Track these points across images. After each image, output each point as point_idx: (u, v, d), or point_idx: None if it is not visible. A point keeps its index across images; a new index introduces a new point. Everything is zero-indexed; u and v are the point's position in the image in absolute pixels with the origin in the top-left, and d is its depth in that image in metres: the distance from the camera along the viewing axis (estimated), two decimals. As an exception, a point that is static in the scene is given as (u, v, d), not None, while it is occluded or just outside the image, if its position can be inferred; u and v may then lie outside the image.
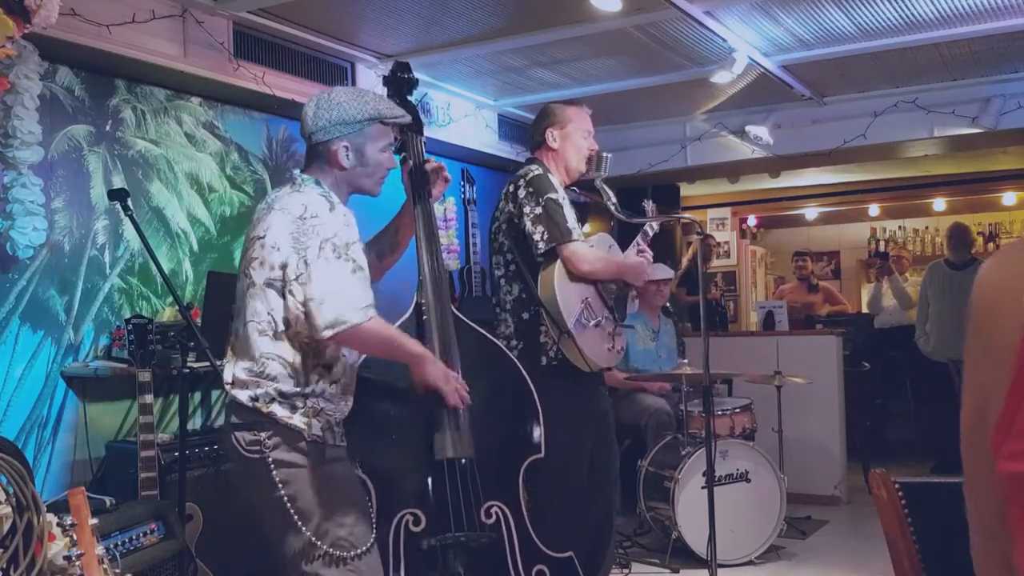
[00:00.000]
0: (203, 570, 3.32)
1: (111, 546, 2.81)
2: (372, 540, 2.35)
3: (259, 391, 2.28)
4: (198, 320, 3.74)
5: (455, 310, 2.70)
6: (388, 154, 2.48)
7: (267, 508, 2.29)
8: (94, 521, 2.15)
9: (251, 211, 4.56)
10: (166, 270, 3.60)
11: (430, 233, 2.69)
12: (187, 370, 3.53)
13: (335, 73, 4.78)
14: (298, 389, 2.29)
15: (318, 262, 2.22)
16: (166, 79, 4.13)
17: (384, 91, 2.89)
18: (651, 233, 3.62)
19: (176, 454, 3.45)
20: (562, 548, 2.71)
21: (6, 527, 1.94)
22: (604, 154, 3.47)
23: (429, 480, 2.51)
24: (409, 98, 2.86)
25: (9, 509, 1.95)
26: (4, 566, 1.89)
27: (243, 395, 2.29)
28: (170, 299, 4.00)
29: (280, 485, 2.26)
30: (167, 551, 3.09)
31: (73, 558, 2.04)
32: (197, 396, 4.07)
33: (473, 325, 2.80)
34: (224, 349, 3.64)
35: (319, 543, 2.25)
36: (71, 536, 2.08)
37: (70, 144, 3.82)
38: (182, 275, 4.25)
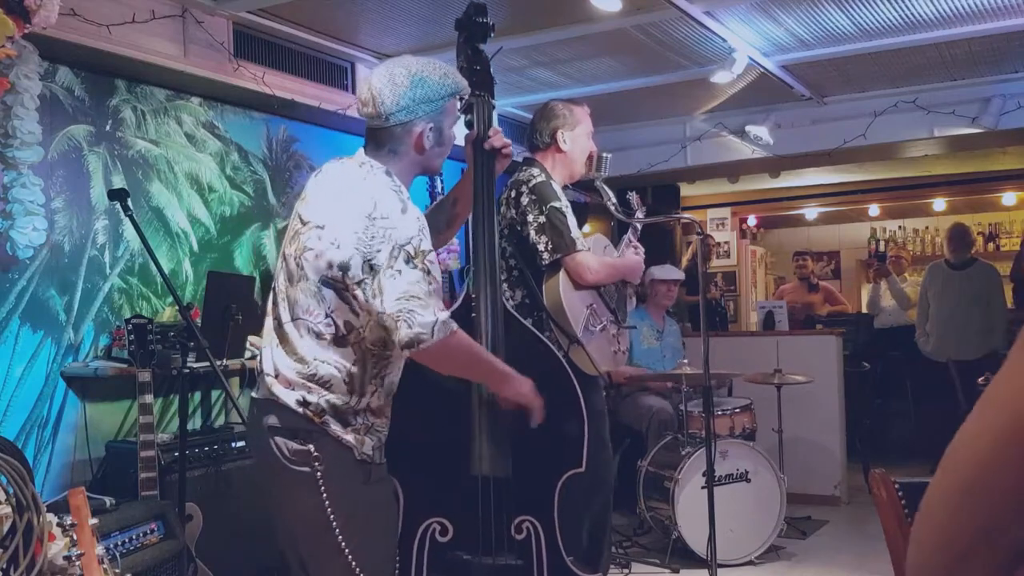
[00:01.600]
0: (203, 570, 3.32)
1: (111, 546, 2.81)
2: (396, 570, 2.25)
3: (311, 397, 2.08)
4: (198, 320, 3.74)
5: (507, 305, 2.48)
6: (454, 128, 2.27)
7: (306, 524, 2.12)
8: (94, 521, 2.15)
9: (251, 211, 4.59)
10: (166, 270, 3.60)
11: (489, 214, 2.38)
12: (187, 370, 3.53)
13: (335, 73, 4.78)
14: (353, 401, 2.11)
15: (389, 272, 1.99)
16: (166, 79, 4.13)
17: (457, 39, 2.49)
18: (639, 228, 3.65)
19: (176, 454, 3.45)
20: (592, 568, 2.60)
21: (6, 527, 1.94)
22: (604, 154, 3.47)
23: (461, 491, 2.35)
24: (481, 47, 2.45)
25: (9, 509, 1.95)
26: (4, 566, 1.89)
27: (290, 397, 2.08)
28: (170, 299, 3.99)
29: (327, 502, 2.07)
30: (167, 551, 3.09)
31: (73, 558, 2.04)
32: (197, 396, 4.07)
33: (527, 324, 2.59)
34: (224, 348, 3.69)
35: (356, 567, 2.10)
36: (71, 536, 2.08)
37: (70, 144, 3.82)
38: (182, 275, 4.25)
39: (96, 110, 3.92)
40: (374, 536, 2.16)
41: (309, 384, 2.08)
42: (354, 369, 2.10)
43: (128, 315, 3.74)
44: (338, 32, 4.59)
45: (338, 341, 2.08)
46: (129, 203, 3.39)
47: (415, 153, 2.18)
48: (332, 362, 2.08)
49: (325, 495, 2.07)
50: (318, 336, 2.08)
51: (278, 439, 2.10)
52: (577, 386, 2.52)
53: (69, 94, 3.82)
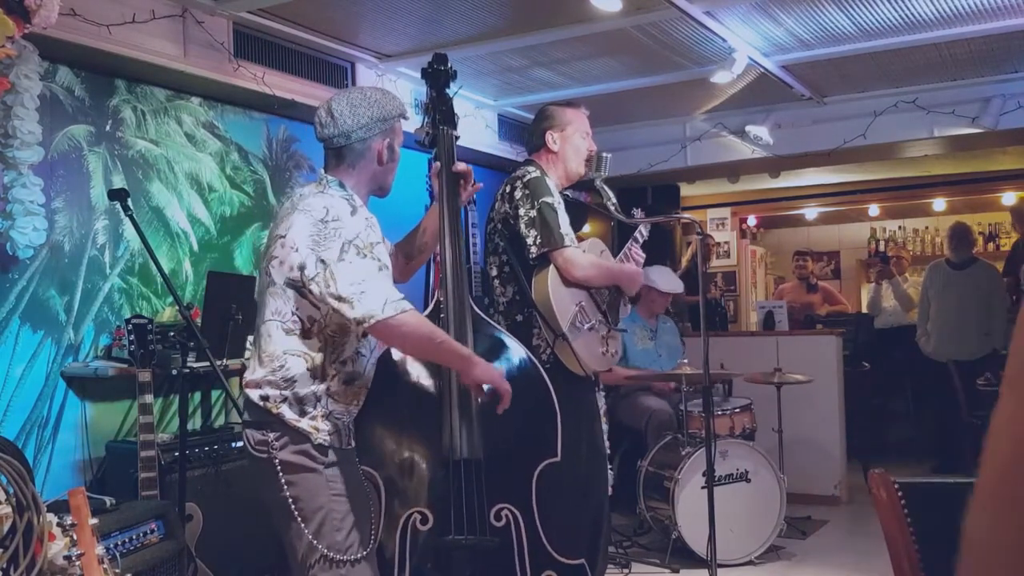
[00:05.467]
0: (203, 570, 3.32)
1: (111, 546, 2.81)
2: (369, 548, 2.36)
3: (272, 391, 2.31)
4: (198, 320, 3.74)
5: (476, 308, 2.67)
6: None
7: (275, 506, 2.34)
8: (94, 521, 2.16)
9: (251, 211, 4.60)
10: (166, 270, 3.60)
11: (454, 229, 2.66)
12: (187, 370, 3.53)
13: (335, 73, 4.78)
14: (314, 388, 2.31)
15: (341, 263, 2.23)
16: (166, 79, 4.13)
17: (424, 83, 2.86)
18: (641, 239, 3.64)
19: (176, 454, 3.45)
20: (574, 554, 2.67)
21: (6, 527, 1.94)
22: (604, 154, 3.47)
23: (438, 479, 2.49)
24: (447, 91, 2.84)
25: (9, 509, 1.95)
26: (4, 566, 1.89)
27: (255, 394, 2.33)
28: (170, 299, 4.00)
29: (286, 486, 2.29)
30: (167, 551, 3.09)
31: (73, 558, 2.04)
32: (197, 396, 4.06)
33: (494, 324, 2.79)
34: (224, 348, 3.69)
35: (318, 544, 2.28)
36: (71, 536, 2.08)
37: (70, 144, 3.82)
38: (182, 275, 4.26)
39: (96, 110, 3.92)
40: (337, 516, 2.31)
41: (275, 380, 2.31)
42: (318, 357, 2.33)
43: (128, 315, 3.74)
44: (338, 32, 4.59)
45: (304, 333, 2.32)
46: (129, 203, 3.39)
47: (375, 166, 2.45)
48: (300, 353, 2.32)
49: (283, 479, 2.29)
50: (287, 332, 2.32)
51: (247, 431, 2.37)
52: (547, 379, 2.67)
53: (69, 94, 3.82)
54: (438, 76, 2.82)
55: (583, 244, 3.44)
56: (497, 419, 2.49)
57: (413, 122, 5.26)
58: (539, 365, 2.73)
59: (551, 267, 3.22)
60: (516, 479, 2.57)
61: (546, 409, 2.64)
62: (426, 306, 5.75)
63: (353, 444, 2.41)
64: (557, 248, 3.21)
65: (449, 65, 2.84)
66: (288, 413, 2.30)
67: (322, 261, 2.24)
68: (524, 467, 2.58)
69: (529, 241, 3.23)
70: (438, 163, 2.72)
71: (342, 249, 2.24)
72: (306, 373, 2.31)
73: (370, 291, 2.22)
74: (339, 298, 2.22)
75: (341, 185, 2.40)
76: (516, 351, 2.71)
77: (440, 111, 2.75)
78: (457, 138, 2.79)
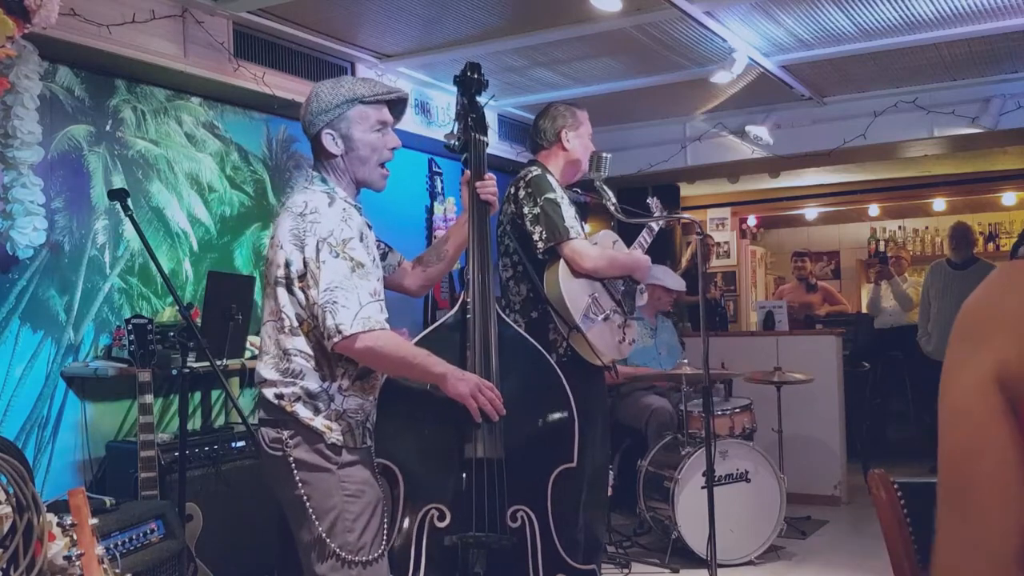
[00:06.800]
0: (203, 570, 3.32)
1: (111, 546, 2.81)
2: (382, 551, 2.35)
3: (286, 390, 2.30)
4: (198, 320, 3.75)
5: (501, 312, 2.68)
6: (382, 135, 2.41)
7: (288, 504, 2.34)
8: (94, 521, 2.15)
9: (251, 211, 4.61)
10: (166, 270, 3.60)
11: (481, 235, 2.67)
12: (187, 370, 3.53)
13: (335, 73, 4.78)
14: (324, 384, 2.30)
15: (315, 263, 2.22)
16: (166, 79, 4.13)
17: (457, 91, 2.87)
18: (656, 228, 3.69)
19: (176, 454, 3.46)
20: (585, 559, 2.67)
21: (6, 527, 1.94)
22: (603, 155, 3.49)
23: (458, 477, 2.49)
24: (479, 99, 2.86)
25: (9, 509, 1.95)
26: (4, 566, 1.89)
27: (270, 392, 2.32)
28: (170, 299, 4.00)
29: (299, 484, 2.28)
30: (167, 551, 3.09)
31: (73, 558, 2.04)
32: (197, 396, 4.07)
33: (518, 329, 2.80)
34: (224, 348, 3.69)
35: (330, 543, 2.27)
36: (71, 536, 2.08)
37: (70, 144, 3.82)
38: (182, 275, 4.26)
39: (96, 110, 3.92)
40: (349, 517, 2.30)
41: (285, 378, 2.30)
42: (317, 355, 2.30)
43: (128, 315, 3.74)
44: (338, 32, 4.59)
45: (295, 332, 2.30)
46: (129, 203, 3.38)
47: (331, 160, 2.40)
48: (297, 352, 2.30)
49: (297, 477, 2.28)
50: (281, 331, 2.31)
51: (263, 429, 2.35)
52: (567, 387, 2.66)
53: (69, 94, 3.82)
54: (470, 84, 2.85)
55: (596, 236, 3.47)
56: (518, 420, 2.51)
57: (412, 121, 5.28)
58: (560, 374, 2.71)
59: (560, 261, 3.25)
60: (533, 482, 2.57)
61: (565, 415, 2.65)
62: (426, 310, 5.74)
63: (369, 443, 2.39)
64: (563, 241, 3.24)
65: (482, 74, 2.86)
66: (302, 411, 2.28)
67: (304, 260, 2.24)
68: (541, 470, 2.59)
69: (535, 237, 3.26)
70: (466, 173, 2.74)
71: (317, 247, 2.23)
72: (312, 372, 2.29)
73: (341, 301, 2.20)
74: (314, 304, 2.23)
75: (323, 180, 2.39)
76: (539, 356, 2.71)
77: (472, 118, 2.78)
78: (486, 144, 2.79)
